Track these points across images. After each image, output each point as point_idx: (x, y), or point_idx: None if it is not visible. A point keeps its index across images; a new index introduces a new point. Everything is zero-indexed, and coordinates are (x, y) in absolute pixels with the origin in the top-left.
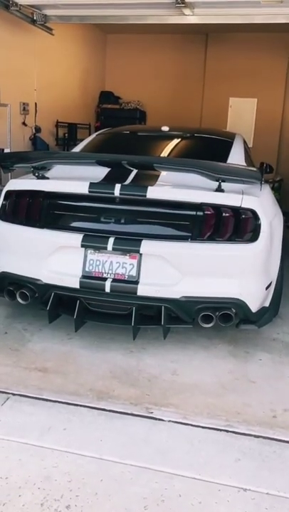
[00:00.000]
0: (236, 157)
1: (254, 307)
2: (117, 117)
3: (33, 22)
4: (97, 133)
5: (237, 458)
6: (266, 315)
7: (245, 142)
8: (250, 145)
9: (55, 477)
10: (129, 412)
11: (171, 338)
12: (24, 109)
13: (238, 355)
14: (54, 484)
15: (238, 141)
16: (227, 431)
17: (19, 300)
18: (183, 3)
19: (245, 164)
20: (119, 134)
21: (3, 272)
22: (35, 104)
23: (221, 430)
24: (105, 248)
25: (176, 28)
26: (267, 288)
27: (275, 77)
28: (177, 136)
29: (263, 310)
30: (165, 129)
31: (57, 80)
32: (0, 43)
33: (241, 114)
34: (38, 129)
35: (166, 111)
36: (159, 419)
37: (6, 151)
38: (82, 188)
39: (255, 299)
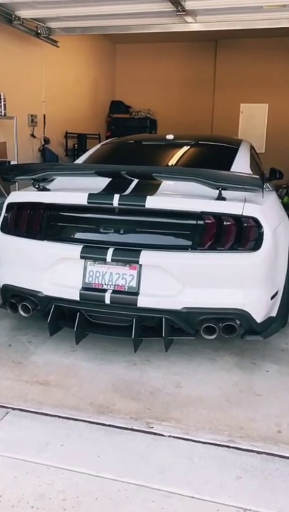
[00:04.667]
0: (241, 164)
1: (259, 317)
2: (128, 126)
3: (38, 35)
4: (101, 143)
5: (238, 476)
6: (273, 325)
7: (252, 148)
8: (262, 150)
9: (49, 495)
10: (129, 426)
11: (175, 349)
12: (32, 121)
13: (244, 366)
14: (48, 503)
15: (243, 148)
16: (229, 447)
17: (21, 313)
18: (184, 11)
19: (250, 171)
20: (124, 143)
21: (5, 284)
22: (44, 115)
23: (222, 446)
24: (104, 259)
25: (184, 35)
26: (273, 297)
27: (286, 82)
28: (182, 145)
29: (269, 320)
30: (170, 137)
31: (66, 91)
32: (6, 56)
33: (252, 120)
34: (47, 141)
35: (176, 119)
36: (160, 435)
37: (13, 163)
38: (81, 199)
39: (260, 309)
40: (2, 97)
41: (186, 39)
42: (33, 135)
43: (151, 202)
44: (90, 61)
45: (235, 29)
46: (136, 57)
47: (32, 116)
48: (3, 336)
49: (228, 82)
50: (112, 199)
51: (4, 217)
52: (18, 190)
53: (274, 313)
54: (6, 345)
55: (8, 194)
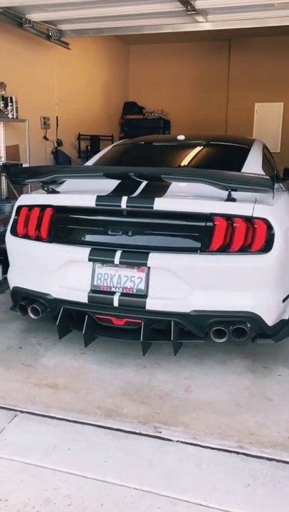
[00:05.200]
0: (253, 164)
1: (270, 321)
2: (141, 127)
3: (49, 38)
4: (112, 145)
5: (247, 483)
6: (285, 328)
7: (266, 148)
8: (277, 150)
9: (54, 500)
10: (136, 431)
11: (186, 352)
12: (45, 123)
13: (256, 370)
14: (53, 508)
15: (255, 148)
16: (238, 453)
17: (31, 315)
18: (193, 11)
19: (262, 172)
20: (135, 145)
21: (15, 286)
22: (57, 117)
23: (231, 452)
24: (112, 262)
25: (198, 35)
26: (284, 300)
27: None
28: (192, 145)
29: (281, 323)
30: (181, 138)
31: (78, 93)
32: (18, 60)
33: (267, 119)
34: (59, 143)
35: (190, 119)
36: (168, 440)
37: (25, 165)
38: (89, 201)
39: (271, 312)
40: (14, 100)
41: (199, 39)
42: (45, 137)
43: (160, 204)
44: (102, 62)
45: (247, 28)
46: (149, 57)
47: (44, 118)
48: (14, 338)
49: (242, 82)
50: (120, 201)
51: (14, 219)
52: (30, 192)
53: (286, 316)
54: (16, 348)
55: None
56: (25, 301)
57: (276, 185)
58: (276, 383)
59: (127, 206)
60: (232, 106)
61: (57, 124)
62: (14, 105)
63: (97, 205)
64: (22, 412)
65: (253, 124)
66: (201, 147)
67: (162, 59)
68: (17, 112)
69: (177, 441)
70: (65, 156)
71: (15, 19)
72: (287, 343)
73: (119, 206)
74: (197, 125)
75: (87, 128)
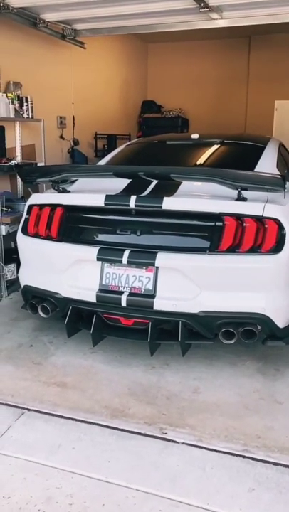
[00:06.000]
0: (267, 163)
1: (281, 322)
2: (159, 126)
3: (64, 37)
4: (125, 144)
5: (251, 487)
6: None
7: (282, 146)
8: None
9: (56, 499)
10: (142, 432)
11: (196, 353)
12: (61, 122)
13: (266, 372)
14: (55, 507)
15: (271, 146)
16: (244, 456)
17: (41, 313)
18: (207, 8)
19: (276, 171)
20: (148, 144)
21: (25, 285)
22: (73, 117)
23: (237, 455)
24: (120, 261)
25: (216, 33)
26: None
27: None
28: (206, 144)
29: None
30: (195, 136)
31: (96, 92)
32: (34, 60)
33: (288, 117)
34: (76, 142)
35: (209, 117)
36: (173, 441)
37: (40, 165)
38: (98, 200)
39: (282, 313)
40: (29, 100)
41: (218, 36)
42: (62, 137)
43: (168, 203)
44: (120, 61)
45: (266, 24)
46: (168, 56)
47: (61, 118)
48: (26, 337)
49: (262, 79)
50: (128, 200)
51: (25, 219)
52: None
53: None
54: (27, 346)
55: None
56: (36, 299)
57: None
58: (287, 386)
59: (135, 205)
60: (251, 104)
61: (73, 123)
62: (30, 105)
63: (106, 204)
64: (29, 410)
65: (272, 122)
66: (215, 146)
67: (181, 57)
68: (32, 111)
69: (182, 443)
70: (82, 155)
71: (29, 19)
72: None
73: (128, 205)
74: (216, 123)
75: (105, 127)
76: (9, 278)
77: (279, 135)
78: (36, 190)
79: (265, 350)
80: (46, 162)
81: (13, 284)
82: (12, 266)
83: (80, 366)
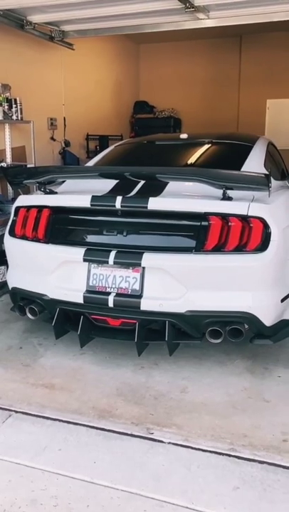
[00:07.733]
0: (254, 162)
1: (268, 321)
2: (152, 126)
3: (52, 39)
4: (115, 145)
5: (236, 486)
6: (286, 329)
7: (271, 145)
8: None
9: (41, 501)
10: (128, 432)
11: (185, 353)
12: (52, 124)
13: (255, 371)
14: (39, 508)
15: (259, 145)
16: (229, 455)
17: (29, 315)
18: (192, 8)
19: (264, 170)
20: (137, 144)
21: (13, 287)
22: (64, 118)
23: (223, 454)
24: (107, 262)
25: (207, 32)
26: (283, 300)
27: None
28: (195, 144)
29: (281, 323)
30: (184, 136)
31: (87, 93)
32: (23, 62)
33: (280, 116)
34: (67, 143)
35: (201, 117)
36: (159, 441)
37: (30, 166)
38: (84, 201)
39: (269, 312)
40: (18, 102)
41: (209, 36)
42: (52, 138)
43: (154, 203)
44: (112, 62)
45: (257, 23)
46: (160, 56)
47: (51, 119)
48: (15, 339)
49: (254, 78)
50: (114, 201)
51: (12, 220)
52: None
53: (287, 316)
54: (17, 348)
55: None
56: (24, 301)
57: (282, 183)
58: (275, 385)
59: (121, 206)
60: (244, 103)
61: (64, 124)
62: (19, 107)
63: (92, 205)
64: (17, 412)
65: (265, 121)
66: (204, 145)
67: (173, 57)
68: (21, 113)
69: (169, 442)
70: (73, 156)
71: (16, 21)
72: None
73: (114, 206)
74: (208, 123)
75: (97, 128)
76: (0, 280)
77: (271, 133)
78: (27, 192)
79: (254, 349)
80: (37, 163)
81: (3, 286)
82: (3, 268)
83: (69, 367)
